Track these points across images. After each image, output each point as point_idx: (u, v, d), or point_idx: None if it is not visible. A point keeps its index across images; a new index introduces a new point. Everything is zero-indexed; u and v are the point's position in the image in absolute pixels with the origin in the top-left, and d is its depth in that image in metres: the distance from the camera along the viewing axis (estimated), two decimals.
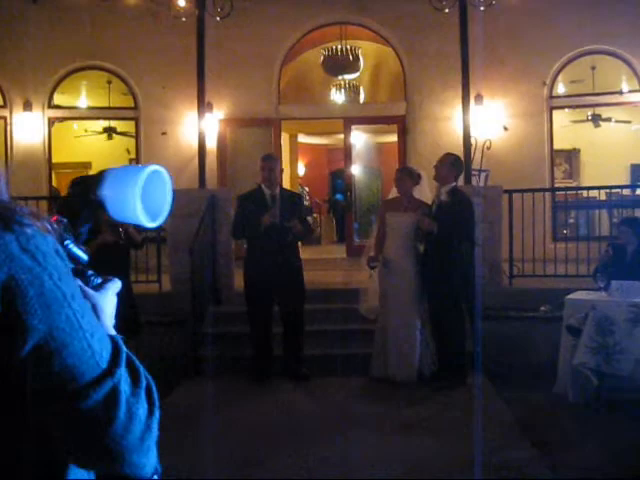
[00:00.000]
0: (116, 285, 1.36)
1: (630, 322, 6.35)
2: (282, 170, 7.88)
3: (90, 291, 1.30)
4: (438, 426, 6.04)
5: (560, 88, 12.73)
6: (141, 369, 1.20)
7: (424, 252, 7.23)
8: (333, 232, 18.81)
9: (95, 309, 1.26)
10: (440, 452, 5.44)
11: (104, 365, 1.13)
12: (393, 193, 7.66)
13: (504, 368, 7.63)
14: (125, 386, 1.15)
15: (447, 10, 9.70)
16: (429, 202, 7.34)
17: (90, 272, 1.35)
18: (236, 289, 9.03)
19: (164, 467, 1.25)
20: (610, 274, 7.02)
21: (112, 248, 7.16)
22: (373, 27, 12.64)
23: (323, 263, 12.20)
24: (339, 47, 14.19)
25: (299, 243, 7.57)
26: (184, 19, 10.29)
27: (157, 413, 1.20)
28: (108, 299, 1.33)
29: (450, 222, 6.92)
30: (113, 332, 1.29)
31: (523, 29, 11.76)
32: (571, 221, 12.57)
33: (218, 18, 10.15)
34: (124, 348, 1.21)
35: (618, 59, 12.08)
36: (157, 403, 1.20)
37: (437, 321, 7.20)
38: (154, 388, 1.21)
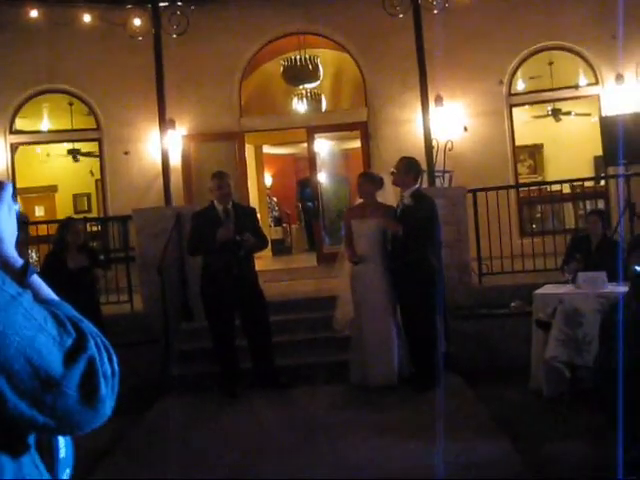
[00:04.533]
0: (7, 194, 1.34)
1: (598, 313, 6.41)
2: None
3: None
4: (417, 427, 6.04)
5: (519, 85, 12.87)
6: (91, 331, 1.21)
7: (391, 255, 7.26)
8: (304, 241, 18.84)
9: None
10: (421, 453, 5.46)
11: (69, 343, 1.14)
12: (358, 200, 7.69)
13: (479, 366, 7.69)
14: (97, 353, 1.17)
15: (401, 15, 9.79)
16: (394, 205, 7.38)
17: None
18: None
19: None
20: (575, 265, 7.13)
21: (81, 273, 7.25)
22: (329, 35, 12.71)
23: (294, 272, 12.22)
24: (298, 57, 14.25)
25: (254, 256, 7.56)
26: (140, 38, 10.30)
27: (116, 367, 1.22)
28: (3, 217, 1.32)
29: (414, 224, 6.96)
30: (18, 258, 1.31)
31: (478, 29, 11.88)
32: (538, 216, 12.69)
33: (174, 35, 10.16)
34: (77, 317, 1.22)
35: (573, 54, 12.25)
36: (114, 357, 1.21)
37: (409, 323, 7.24)
38: (108, 344, 1.22)
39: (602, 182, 12.61)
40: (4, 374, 1.08)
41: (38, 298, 1.22)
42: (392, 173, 7.38)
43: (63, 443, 1.39)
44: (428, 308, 7.14)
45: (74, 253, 7.43)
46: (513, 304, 8.28)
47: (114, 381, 1.20)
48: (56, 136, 13.87)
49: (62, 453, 1.38)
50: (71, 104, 13.14)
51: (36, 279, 1.32)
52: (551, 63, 12.83)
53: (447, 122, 11.59)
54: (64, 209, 15.72)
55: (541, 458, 5.41)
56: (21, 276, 1.28)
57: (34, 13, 10.48)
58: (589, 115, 13.84)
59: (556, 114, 14.31)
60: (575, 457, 5.36)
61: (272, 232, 17.59)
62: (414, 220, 6.99)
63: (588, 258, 7.28)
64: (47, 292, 1.31)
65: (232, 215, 7.35)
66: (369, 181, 7.43)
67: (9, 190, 1.37)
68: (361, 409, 6.76)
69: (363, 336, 7.27)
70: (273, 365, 7.47)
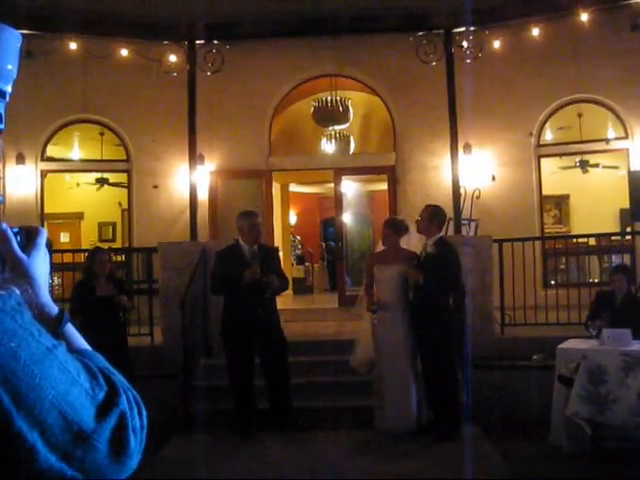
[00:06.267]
0: (43, 240, 1.33)
1: (622, 371, 6.35)
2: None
3: (21, 255, 1.27)
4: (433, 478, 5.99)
5: (547, 135, 12.87)
6: (123, 383, 1.20)
7: (412, 303, 7.22)
8: (325, 281, 18.81)
9: (28, 278, 1.25)
10: None
11: (101, 396, 1.13)
12: (380, 246, 7.68)
13: (498, 418, 7.60)
14: (127, 407, 1.15)
15: (434, 63, 9.87)
16: (417, 251, 7.36)
17: (15, 229, 1.29)
18: None
19: None
20: (601, 323, 7.05)
21: (109, 302, 7.31)
22: (361, 78, 12.81)
23: (315, 313, 12.20)
24: (329, 98, 14.34)
25: (276, 296, 7.55)
26: (175, 74, 10.44)
27: (145, 421, 1.20)
28: (40, 263, 1.31)
29: (435, 272, 6.94)
30: (53, 306, 1.29)
31: (510, 79, 11.94)
32: (562, 267, 12.61)
33: (209, 73, 10.29)
34: (109, 370, 1.20)
35: (603, 107, 12.25)
36: (143, 411, 1.20)
37: (429, 371, 7.18)
38: (139, 398, 1.21)
39: (628, 236, 12.51)
40: (37, 428, 1.07)
41: (70, 348, 1.21)
42: (417, 221, 7.39)
43: None
44: (448, 357, 7.10)
45: (102, 282, 7.49)
46: (535, 357, 8.21)
47: (142, 434, 1.19)
48: (86, 165, 14.04)
49: None
50: (102, 134, 13.29)
51: (69, 328, 1.30)
52: (580, 115, 12.84)
53: (475, 170, 11.58)
54: (89, 236, 15.86)
55: None
56: (55, 325, 1.27)
57: (71, 45, 10.63)
58: (617, 168, 13.81)
59: (584, 166, 14.27)
60: None
61: (294, 271, 17.58)
62: (435, 268, 6.98)
63: (613, 315, 7.21)
64: (79, 341, 1.30)
65: (258, 256, 7.35)
66: (393, 229, 7.42)
67: (44, 236, 1.36)
68: (377, 456, 6.69)
69: (382, 380, 7.23)
70: (291, 406, 7.42)
